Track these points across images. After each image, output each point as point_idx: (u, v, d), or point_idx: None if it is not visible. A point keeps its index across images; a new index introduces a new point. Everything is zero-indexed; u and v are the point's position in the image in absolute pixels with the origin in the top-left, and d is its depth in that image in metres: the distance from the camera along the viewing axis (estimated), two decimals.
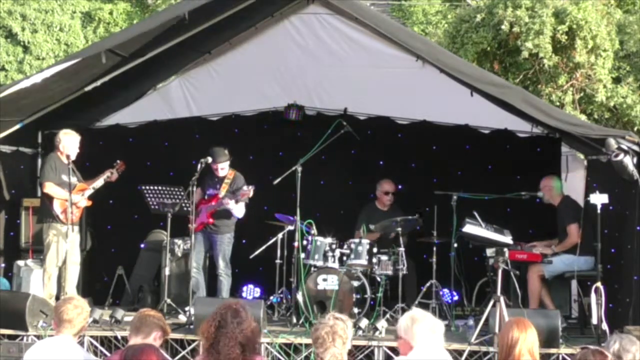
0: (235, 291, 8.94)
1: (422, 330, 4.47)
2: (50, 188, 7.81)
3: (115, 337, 7.06)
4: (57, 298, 7.47)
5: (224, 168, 8.24)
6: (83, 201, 7.94)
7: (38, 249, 8.37)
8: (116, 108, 9.73)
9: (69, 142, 7.89)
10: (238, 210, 8.14)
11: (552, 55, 12.54)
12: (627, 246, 7.24)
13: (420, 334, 4.46)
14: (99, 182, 8.04)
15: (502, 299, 6.70)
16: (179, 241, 8.55)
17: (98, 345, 7.08)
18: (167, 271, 8.00)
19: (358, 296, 7.78)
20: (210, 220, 8.18)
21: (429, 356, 4.42)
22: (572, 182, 8.94)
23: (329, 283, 7.79)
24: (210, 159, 8.03)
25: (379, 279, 7.97)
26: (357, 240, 8.10)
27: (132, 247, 9.31)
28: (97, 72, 8.06)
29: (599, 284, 6.68)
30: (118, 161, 8.18)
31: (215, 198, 8.22)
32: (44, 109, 8.61)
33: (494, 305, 6.82)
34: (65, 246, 7.68)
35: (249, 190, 7.96)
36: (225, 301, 4.55)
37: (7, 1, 17.19)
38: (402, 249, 8.05)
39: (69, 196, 7.63)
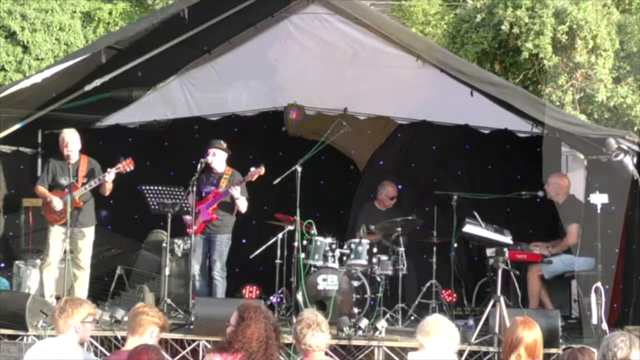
0: (235, 291, 8.93)
1: (438, 332, 4.45)
2: (37, 190, 7.87)
3: (115, 337, 7.05)
4: (57, 298, 7.47)
5: (215, 154, 8.07)
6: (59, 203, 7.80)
7: (38, 249, 8.36)
8: (116, 108, 9.73)
9: (70, 141, 7.88)
10: (242, 202, 8.06)
11: (552, 56, 12.56)
12: (631, 246, 7.24)
13: (434, 335, 4.44)
14: (93, 183, 7.90)
15: (502, 299, 6.71)
16: (179, 241, 8.53)
17: (98, 345, 7.08)
18: (167, 271, 7.97)
19: (358, 296, 7.77)
20: (215, 216, 8.09)
21: (438, 356, 4.41)
22: (572, 182, 8.91)
23: (329, 283, 7.79)
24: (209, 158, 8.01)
25: (379, 279, 7.96)
26: (357, 240, 8.08)
27: (132, 247, 9.30)
28: (97, 71, 8.05)
29: (599, 284, 6.68)
30: (122, 158, 8.03)
31: (214, 193, 8.16)
32: (44, 109, 8.61)
33: (494, 305, 6.82)
34: (65, 246, 7.68)
35: (260, 169, 7.87)
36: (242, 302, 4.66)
37: (7, 1, 17.16)
38: (402, 249, 8.05)
39: (69, 196, 7.63)
